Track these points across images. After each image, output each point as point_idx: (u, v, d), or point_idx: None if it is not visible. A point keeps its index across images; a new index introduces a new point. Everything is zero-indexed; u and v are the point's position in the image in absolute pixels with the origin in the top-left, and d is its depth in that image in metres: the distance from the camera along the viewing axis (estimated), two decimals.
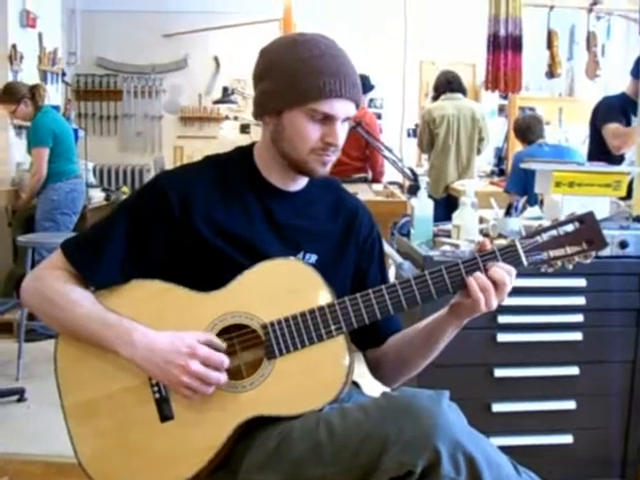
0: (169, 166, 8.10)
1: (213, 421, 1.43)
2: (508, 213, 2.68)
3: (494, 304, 1.44)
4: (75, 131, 5.93)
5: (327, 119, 1.48)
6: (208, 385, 1.40)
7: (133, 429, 1.45)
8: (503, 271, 1.43)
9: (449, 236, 2.58)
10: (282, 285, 1.47)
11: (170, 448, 1.44)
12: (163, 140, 8.79)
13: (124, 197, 6.46)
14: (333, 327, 1.44)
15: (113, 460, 1.46)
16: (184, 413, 1.44)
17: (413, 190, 3.00)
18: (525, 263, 1.46)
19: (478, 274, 1.43)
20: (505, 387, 2.46)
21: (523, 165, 3.00)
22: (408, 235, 2.71)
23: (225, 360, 1.41)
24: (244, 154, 1.61)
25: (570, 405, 2.48)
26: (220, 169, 1.58)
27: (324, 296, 1.46)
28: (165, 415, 1.44)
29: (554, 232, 1.49)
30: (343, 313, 1.44)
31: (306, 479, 1.36)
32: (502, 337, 2.45)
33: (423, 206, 2.62)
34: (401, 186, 6.09)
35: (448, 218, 2.70)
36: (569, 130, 6.13)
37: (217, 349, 1.42)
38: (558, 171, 2.66)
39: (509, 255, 1.46)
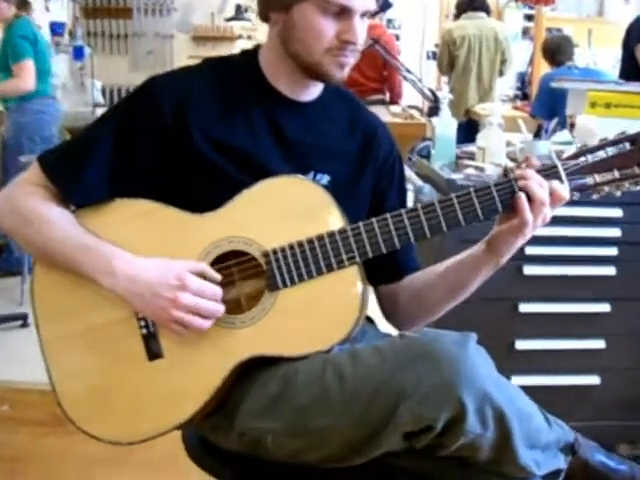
0: None
1: (207, 360, 1.26)
2: (537, 136, 2.45)
3: (539, 223, 1.25)
4: (80, 49, 5.69)
5: (343, 13, 1.27)
6: (202, 318, 1.22)
7: (117, 368, 1.29)
8: (561, 185, 1.24)
9: (473, 158, 2.37)
10: (287, 207, 1.28)
11: (159, 390, 1.27)
12: (174, 60, 8.49)
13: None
14: (345, 256, 1.25)
15: (94, 402, 1.30)
16: (175, 351, 1.27)
17: (434, 112, 2.78)
18: (567, 188, 1.26)
19: (533, 185, 1.23)
20: (530, 323, 2.28)
21: (555, 84, 2.76)
22: (428, 157, 2.51)
23: (219, 292, 1.23)
24: (248, 58, 1.39)
25: (599, 344, 2.31)
26: (220, 74, 1.36)
27: (335, 220, 1.27)
28: (153, 353, 1.27)
29: (601, 153, 1.29)
30: (356, 240, 1.25)
31: (310, 429, 1.20)
32: (529, 270, 2.25)
33: (445, 125, 2.41)
34: (420, 110, 5.87)
35: (469, 142, 2.49)
36: (598, 53, 5.81)
37: (211, 281, 1.24)
38: (594, 90, 2.43)
39: (549, 179, 1.26)
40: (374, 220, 1.26)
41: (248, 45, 8.11)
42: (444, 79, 6.67)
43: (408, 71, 3.51)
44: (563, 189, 1.25)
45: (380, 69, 5.14)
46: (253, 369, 1.27)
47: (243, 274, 1.29)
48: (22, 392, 2.91)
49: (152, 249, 1.27)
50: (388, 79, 5.27)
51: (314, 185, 1.29)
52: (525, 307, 2.26)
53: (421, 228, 1.25)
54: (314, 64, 1.30)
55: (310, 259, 1.25)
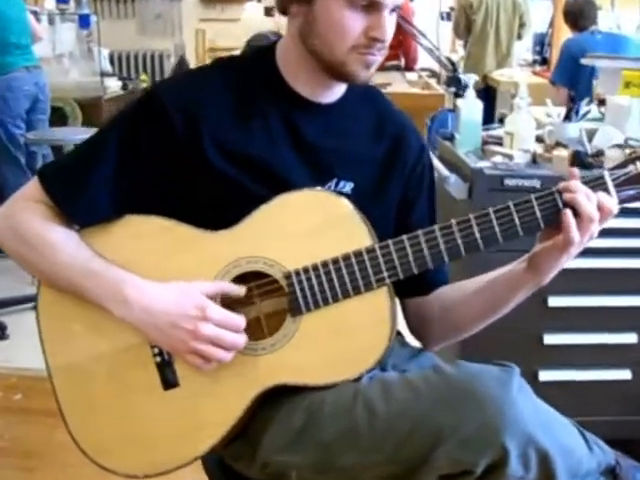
0: (190, 53, 7.69)
1: (227, 390, 1.18)
2: (567, 117, 2.33)
3: (586, 240, 1.15)
4: (86, 17, 5.53)
5: (372, 7, 1.15)
6: (224, 350, 1.14)
7: (131, 397, 1.20)
8: (609, 198, 1.14)
9: (500, 144, 2.26)
10: (309, 224, 1.18)
11: (176, 421, 1.19)
12: (183, 23, 8.31)
13: (143, 86, 6.15)
14: (373, 277, 1.16)
15: (108, 433, 1.22)
16: (191, 380, 1.18)
17: (451, 82, 2.65)
18: (616, 200, 1.16)
19: (580, 199, 1.12)
20: (559, 317, 2.18)
21: (585, 61, 2.62)
22: (452, 140, 2.39)
23: (241, 322, 1.14)
24: (264, 56, 1.28)
25: (631, 339, 2.20)
26: (234, 77, 1.25)
27: (362, 238, 1.17)
28: (168, 382, 1.19)
29: None
30: (386, 260, 1.16)
31: (337, 466, 1.12)
32: None
33: (470, 108, 2.29)
34: (435, 74, 5.72)
35: (487, 110, 2.36)
36: (622, 15, 5.61)
37: (234, 296, 1.16)
38: (629, 69, 2.30)
39: (595, 190, 1.15)
40: (405, 237, 1.16)
41: (258, 8, 7.95)
42: (459, 42, 6.50)
43: (424, 36, 3.37)
44: (612, 202, 1.14)
45: (395, 33, 4.98)
46: (276, 396, 1.18)
47: (264, 297, 1.20)
48: (36, 380, 2.84)
49: (165, 271, 1.18)
50: (403, 43, 5.12)
51: (339, 199, 1.19)
52: (554, 301, 2.16)
53: (456, 246, 1.16)
54: (338, 63, 1.19)
55: (336, 281, 1.16)
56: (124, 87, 5.81)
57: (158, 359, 1.18)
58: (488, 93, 4.80)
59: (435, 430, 1.03)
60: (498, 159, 2.14)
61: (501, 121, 2.45)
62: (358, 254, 1.16)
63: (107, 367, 1.21)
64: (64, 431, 1.23)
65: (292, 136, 1.24)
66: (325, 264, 1.16)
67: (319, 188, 1.20)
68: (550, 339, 2.19)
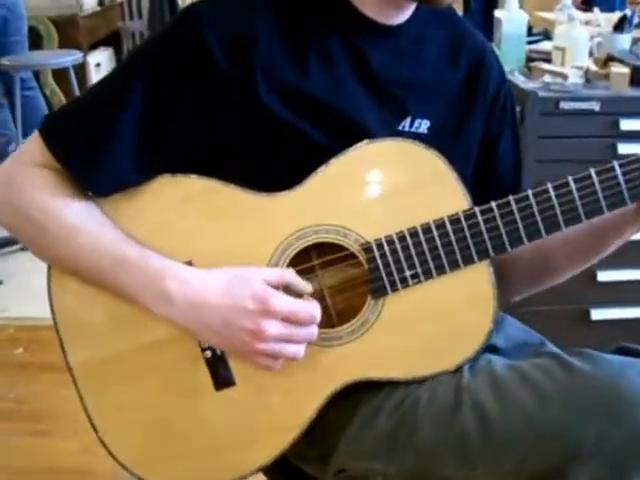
0: None
1: (295, 387, 0.97)
2: (619, 28, 2.06)
3: None
4: None
5: None
6: (295, 348, 0.92)
7: (176, 400, 0.98)
8: None
9: (548, 60, 2.00)
10: (392, 183, 0.95)
11: (233, 426, 0.98)
12: None
13: (120, 1, 5.71)
14: (474, 249, 0.94)
15: (151, 444, 1.00)
16: (250, 377, 0.97)
17: None
18: None
19: None
20: (608, 292, 2.00)
21: None
22: None
23: (316, 311, 0.91)
24: None
25: None
26: None
27: (457, 199, 0.95)
28: (222, 380, 0.97)
29: None
30: (489, 227, 0.93)
31: (437, 476, 0.92)
32: None
33: (513, 20, 2.02)
34: None
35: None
36: None
37: (299, 293, 0.93)
38: None
39: None
40: (511, 199, 0.93)
41: None
42: None
43: None
44: None
45: None
46: (350, 393, 0.98)
47: (336, 275, 0.98)
48: (36, 330, 2.63)
49: (210, 247, 0.95)
50: None
51: (427, 151, 0.95)
52: (603, 275, 1.97)
53: (574, 209, 0.93)
54: None
55: (427, 254, 0.94)
56: (100, 3, 5.39)
57: (208, 354, 0.96)
58: None
59: (571, 444, 0.83)
60: (548, 79, 1.89)
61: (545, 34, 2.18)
62: (455, 220, 0.93)
63: (145, 364, 0.98)
64: (73, 389, 1.01)
65: (357, 66, 1.00)
66: (414, 233, 0.93)
67: (402, 139, 0.96)
68: (598, 314, 2.02)
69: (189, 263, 0.95)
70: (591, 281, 1.95)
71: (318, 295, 0.98)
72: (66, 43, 4.44)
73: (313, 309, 0.90)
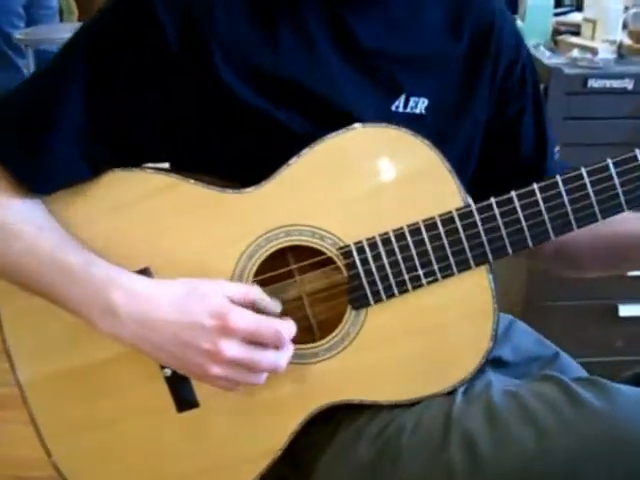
0: None
1: (266, 410, 0.85)
2: None
3: None
4: None
5: None
6: (257, 374, 0.79)
7: (133, 423, 0.87)
8: None
9: (577, 33, 1.84)
10: (375, 177, 0.82)
11: (197, 453, 0.86)
12: None
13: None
14: (469, 253, 0.80)
15: (109, 468, 0.89)
16: (215, 398, 0.85)
17: None
18: None
19: None
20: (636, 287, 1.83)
21: None
22: None
23: (286, 331, 0.78)
24: None
25: None
26: None
27: (450, 194, 0.81)
28: (184, 401, 0.85)
29: None
30: (487, 228, 0.80)
31: None
32: None
33: None
34: None
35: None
36: None
37: (263, 309, 0.80)
38: None
39: None
40: (514, 194, 0.80)
41: None
42: None
43: None
44: None
45: None
46: (334, 412, 0.85)
47: (316, 282, 0.85)
48: None
49: (169, 251, 0.83)
50: None
51: (417, 140, 0.81)
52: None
53: (589, 206, 0.79)
54: None
55: (416, 259, 0.80)
56: None
57: (168, 372, 0.84)
58: None
59: None
60: (576, 54, 1.73)
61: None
62: (447, 220, 0.80)
63: (99, 382, 0.87)
64: None
65: (340, 40, 0.86)
66: (400, 235, 0.80)
67: (387, 125, 0.82)
68: (626, 310, 1.86)
69: (146, 270, 0.83)
70: (619, 276, 1.80)
71: (297, 304, 0.86)
72: (85, 17, 4.37)
73: (282, 328, 0.77)
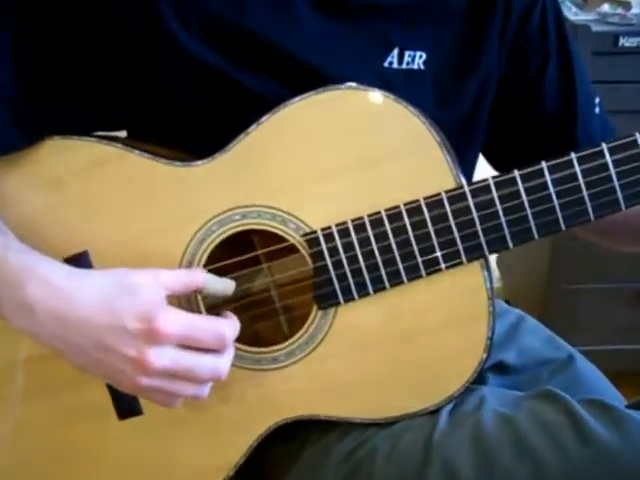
0: None
1: (217, 421, 0.73)
2: None
3: None
4: None
5: None
6: (197, 385, 0.66)
7: (75, 429, 0.75)
8: None
9: None
10: (349, 150, 0.68)
11: (147, 464, 0.75)
12: None
13: None
14: (461, 245, 0.67)
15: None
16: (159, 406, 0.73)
17: None
18: None
19: None
20: None
21: None
22: None
23: (228, 333, 0.65)
24: None
25: None
26: None
27: (440, 175, 0.67)
28: (126, 407, 0.74)
29: None
30: (483, 215, 0.66)
31: None
32: None
33: None
34: None
35: None
36: None
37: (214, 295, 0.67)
38: None
39: None
40: (517, 174, 0.66)
41: None
42: None
43: None
44: None
45: None
46: (301, 425, 0.73)
47: (283, 272, 0.73)
48: None
49: (110, 234, 0.71)
50: None
51: (401, 106, 0.67)
52: None
53: (612, 190, 0.65)
54: None
55: (395, 250, 0.67)
56: None
57: None
58: None
59: None
60: (606, 9, 1.57)
61: None
62: (434, 203, 0.66)
63: (38, 384, 0.76)
64: None
65: None
66: (377, 220, 0.67)
67: (366, 87, 0.68)
68: None
69: (83, 254, 0.71)
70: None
71: (265, 297, 0.74)
72: None
73: (224, 328, 0.64)
